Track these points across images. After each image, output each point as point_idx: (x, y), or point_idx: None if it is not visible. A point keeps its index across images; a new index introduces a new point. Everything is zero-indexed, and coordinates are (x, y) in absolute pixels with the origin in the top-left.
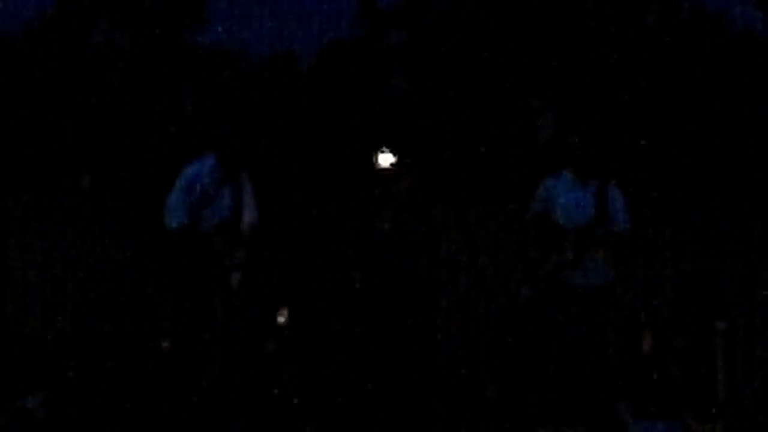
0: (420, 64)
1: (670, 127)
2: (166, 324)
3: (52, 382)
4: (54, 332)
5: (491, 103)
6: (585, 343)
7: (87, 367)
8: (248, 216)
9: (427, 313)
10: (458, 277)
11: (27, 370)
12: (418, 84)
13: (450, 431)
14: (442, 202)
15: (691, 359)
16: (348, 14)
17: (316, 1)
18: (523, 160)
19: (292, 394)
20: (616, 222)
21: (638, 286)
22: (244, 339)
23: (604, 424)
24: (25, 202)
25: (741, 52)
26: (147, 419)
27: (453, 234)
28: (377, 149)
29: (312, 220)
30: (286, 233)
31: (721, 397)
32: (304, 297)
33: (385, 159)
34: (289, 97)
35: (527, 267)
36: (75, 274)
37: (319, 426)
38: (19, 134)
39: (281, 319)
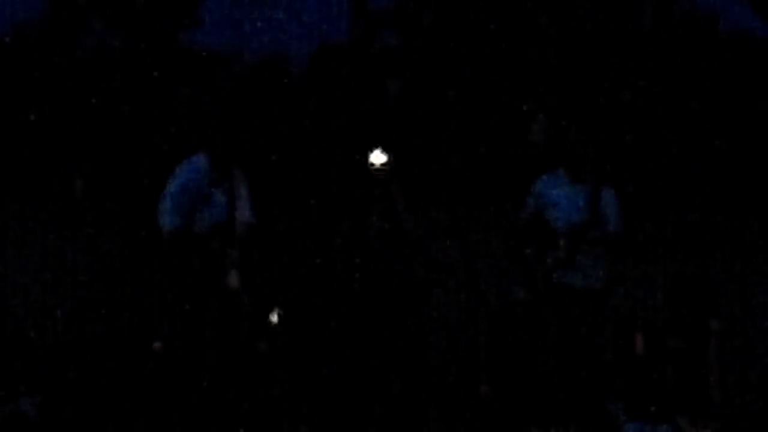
0: (413, 66)
1: (663, 128)
2: (159, 326)
3: (46, 384)
4: (48, 334)
5: (484, 104)
6: (578, 344)
7: (81, 369)
8: (243, 216)
9: (419, 313)
10: (451, 277)
11: (21, 372)
12: (412, 86)
13: (443, 431)
14: (434, 202)
15: (684, 360)
16: (341, 16)
17: (309, 3)
18: (517, 161)
19: (284, 394)
20: (609, 222)
21: (631, 287)
22: (240, 340)
23: (597, 425)
24: (18, 206)
25: (735, 53)
26: (141, 421)
27: (445, 234)
28: (370, 150)
29: (304, 221)
30: (278, 233)
31: (714, 397)
32: (296, 297)
33: (378, 158)
34: (282, 99)
35: (520, 268)
36: (68, 276)
37: (312, 426)
38: (11, 137)
39: (273, 319)
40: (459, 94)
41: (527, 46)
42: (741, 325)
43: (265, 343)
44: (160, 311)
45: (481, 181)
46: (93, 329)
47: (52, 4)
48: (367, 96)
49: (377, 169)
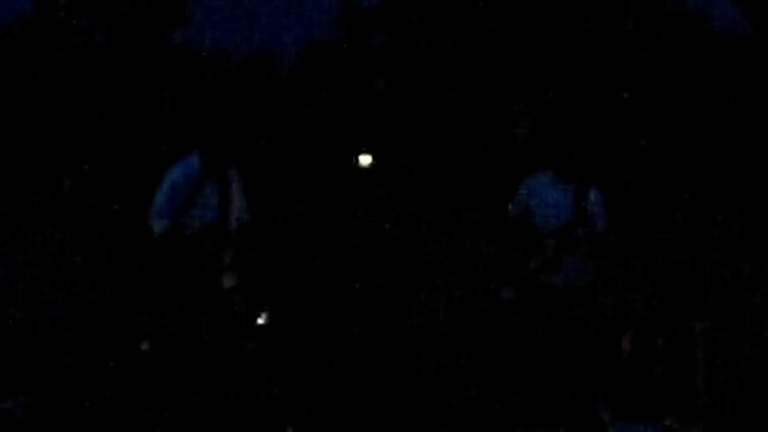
0: (400, 65)
1: (651, 127)
2: (148, 325)
3: (33, 384)
4: (35, 334)
5: (471, 104)
6: (565, 344)
7: (69, 369)
8: (237, 216)
9: (405, 314)
10: (438, 278)
11: (7, 371)
12: (399, 85)
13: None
14: (421, 202)
15: (671, 360)
16: (329, 15)
17: (296, 3)
18: (503, 161)
19: (272, 396)
20: (596, 222)
21: (618, 287)
22: (231, 340)
23: (584, 425)
24: (6, 204)
25: (721, 51)
26: (129, 421)
27: (432, 235)
28: (357, 149)
29: (292, 220)
30: (269, 232)
31: (701, 397)
32: (285, 297)
33: (365, 159)
34: (270, 97)
35: (507, 268)
36: (56, 276)
37: (299, 427)
38: None
39: (261, 321)
40: (446, 94)
41: (515, 46)
42: (727, 325)
43: (255, 344)
44: (149, 311)
45: (468, 181)
46: (80, 329)
47: (39, 3)
48: (355, 94)
49: (363, 170)
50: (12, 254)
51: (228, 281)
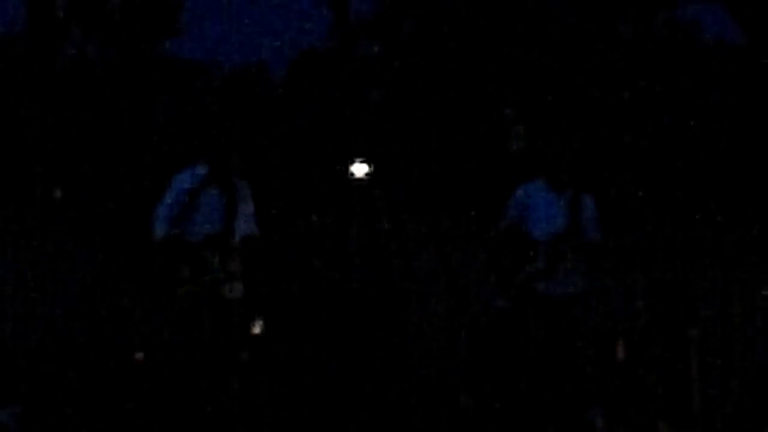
0: (393, 75)
1: (643, 136)
2: (141, 336)
3: (26, 394)
4: (28, 344)
5: (464, 113)
6: (558, 352)
7: (62, 379)
8: (243, 227)
9: (399, 323)
10: (431, 286)
11: (1, 382)
12: (392, 94)
13: None
14: (414, 211)
15: (664, 367)
16: (321, 25)
17: (288, 12)
18: (496, 170)
19: (267, 405)
20: (588, 231)
21: (611, 295)
22: (227, 348)
23: None
24: (0, 214)
25: (714, 60)
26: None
27: (425, 243)
28: (351, 161)
29: (286, 231)
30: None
31: (695, 405)
32: (279, 307)
33: (360, 169)
34: (261, 107)
35: (500, 277)
36: (49, 285)
37: None
38: None
39: (256, 330)
40: (438, 103)
41: (508, 55)
42: (721, 333)
43: (246, 353)
44: (146, 320)
45: (461, 190)
46: (74, 339)
47: (32, 15)
48: (347, 103)
49: (358, 180)
50: (6, 264)
51: (231, 292)
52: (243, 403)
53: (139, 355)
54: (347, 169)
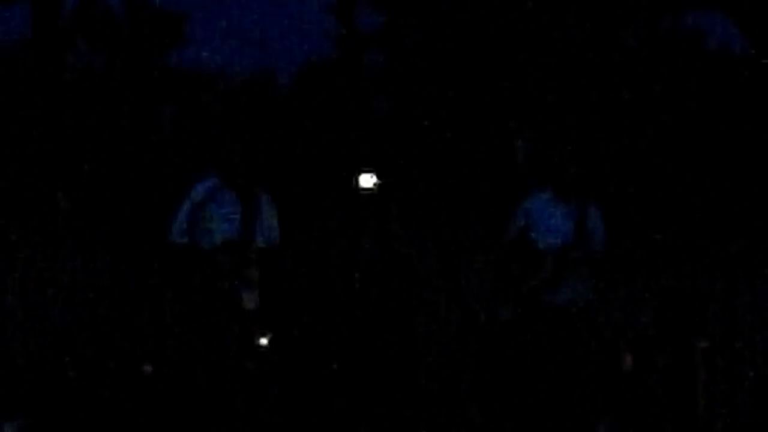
0: (399, 85)
1: (649, 145)
2: (148, 347)
3: (29, 407)
4: (33, 355)
5: (469, 123)
6: (565, 363)
7: (65, 392)
8: (263, 236)
9: (406, 333)
10: (437, 297)
11: (3, 394)
12: (398, 104)
13: None
14: (419, 221)
15: (671, 378)
16: (327, 35)
17: (294, 22)
18: (502, 180)
19: (275, 414)
20: (594, 241)
21: (618, 305)
22: (236, 359)
23: None
24: (5, 226)
25: (719, 70)
26: None
27: (431, 253)
28: (358, 170)
29: (294, 241)
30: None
31: (701, 415)
32: (286, 318)
33: (367, 180)
34: (268, 117)
35: (506, 287)
36: (54, 297)
37: None
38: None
39: (263, 341)
40: (445, 113)
41: (513, 65)
42: (728, 343)
43: (252, 363)
44: (152, 331)
45: (467, 200)
46: (78, 350)
47: (37, 25)
48: (354, 114)
49: (366, 190)
50: (9, 276)
51: (249, 301)
52: (253, 411)
53: (147, 368)
54: (355, 179)
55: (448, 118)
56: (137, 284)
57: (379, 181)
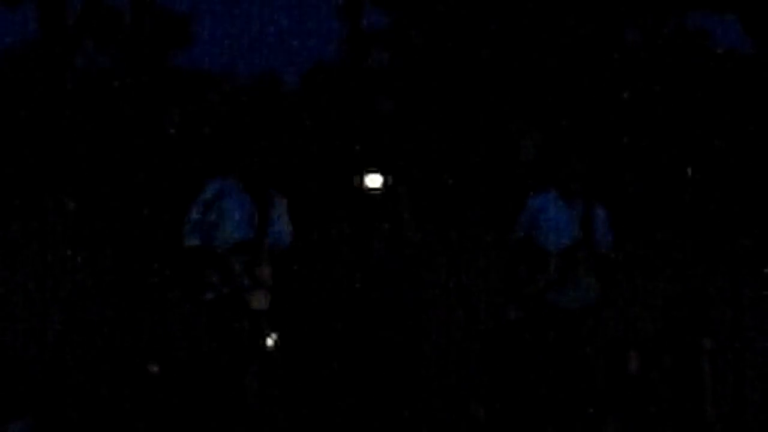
0: (405, 86)
1: (655, 146)
2: (156, 347)
3: (36, 407)
4: (39, 356)
5: (475, 124)
6: (571, 363)
7: (73, 391)
8: (276, 237)
9: (412, 334)
10: (443, 298)
11: (10, 394)
12: (404, 105)
13: None
14: (425, 221)
15: (678, 378)
16: (333, 36)
17: (300, 23)
18: (508, 180)
19: (281, 414)
20: (600, 241)
21: (624, 305)
22: (245, 359)
23: None
24: (8, 225)
25: (725, 71)
26: None
27: (437, 255)
28: (364, 171)
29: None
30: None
31: (708, 416)
32: (293, 319)
33: (373, 181)
34: (273, 119)
35: (512, 287)
36: (60, 297)
37: None
38: (2, 158)
39: (270, 342)
40: (451, 113)
41: (518, 65)
42: (734, 344)
43: (256, 365)
44: (160, 331)
45: (473, 201)
46: (86, 350)
47: (43, 25)
48: (359, 115)
49: (373, 191)
50: (15, 276)
51: (258, 302)
52: (260, 412)
53: (154, 367)
54: (361, 179)
55: (454, 118)
56: (144, 283)
57: (389, 182)
